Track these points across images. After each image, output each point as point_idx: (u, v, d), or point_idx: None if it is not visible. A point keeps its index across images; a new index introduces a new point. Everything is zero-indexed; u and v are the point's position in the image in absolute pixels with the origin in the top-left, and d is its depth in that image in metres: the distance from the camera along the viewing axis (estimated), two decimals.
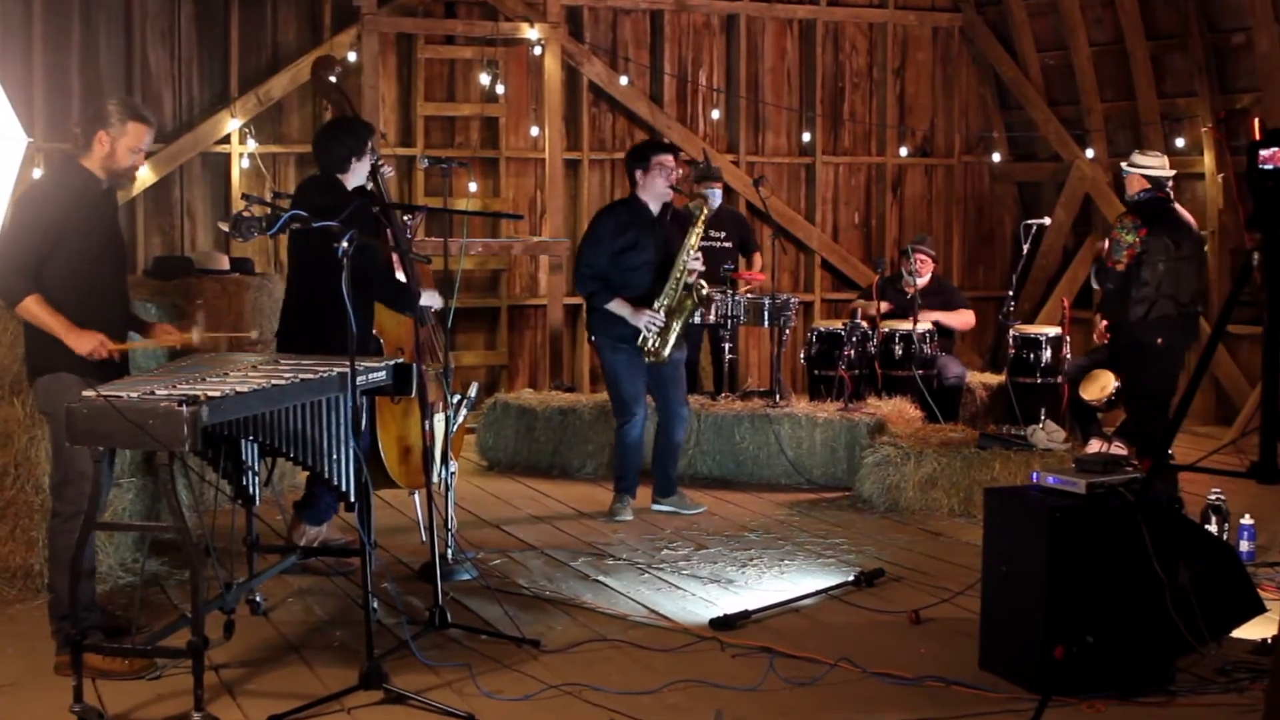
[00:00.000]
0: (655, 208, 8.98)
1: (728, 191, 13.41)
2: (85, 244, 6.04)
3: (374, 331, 7.51)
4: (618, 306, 8.83)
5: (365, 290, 6.76)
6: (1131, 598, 5.79)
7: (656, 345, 8.86)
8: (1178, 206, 9.49)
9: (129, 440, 5.26)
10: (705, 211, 9.05)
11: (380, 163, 7.86)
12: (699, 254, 8.99)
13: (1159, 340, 9.21)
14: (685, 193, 9.40)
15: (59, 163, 6.37)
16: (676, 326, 8.89)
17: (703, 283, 9.02)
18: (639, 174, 8.96)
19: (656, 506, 9.24)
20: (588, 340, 9.33)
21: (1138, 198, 9.41)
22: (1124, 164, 9.60)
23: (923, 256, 11.44)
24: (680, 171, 9.18)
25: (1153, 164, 9.41)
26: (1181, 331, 9.32)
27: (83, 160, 6.12)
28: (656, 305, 8.84)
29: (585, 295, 9.01)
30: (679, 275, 8.88)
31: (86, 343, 5.93)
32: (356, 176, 7.52)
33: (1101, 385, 10.58)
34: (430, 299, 7.59)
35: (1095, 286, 9.72)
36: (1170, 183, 9.45)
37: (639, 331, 8.83)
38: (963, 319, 11.61)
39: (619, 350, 8.92)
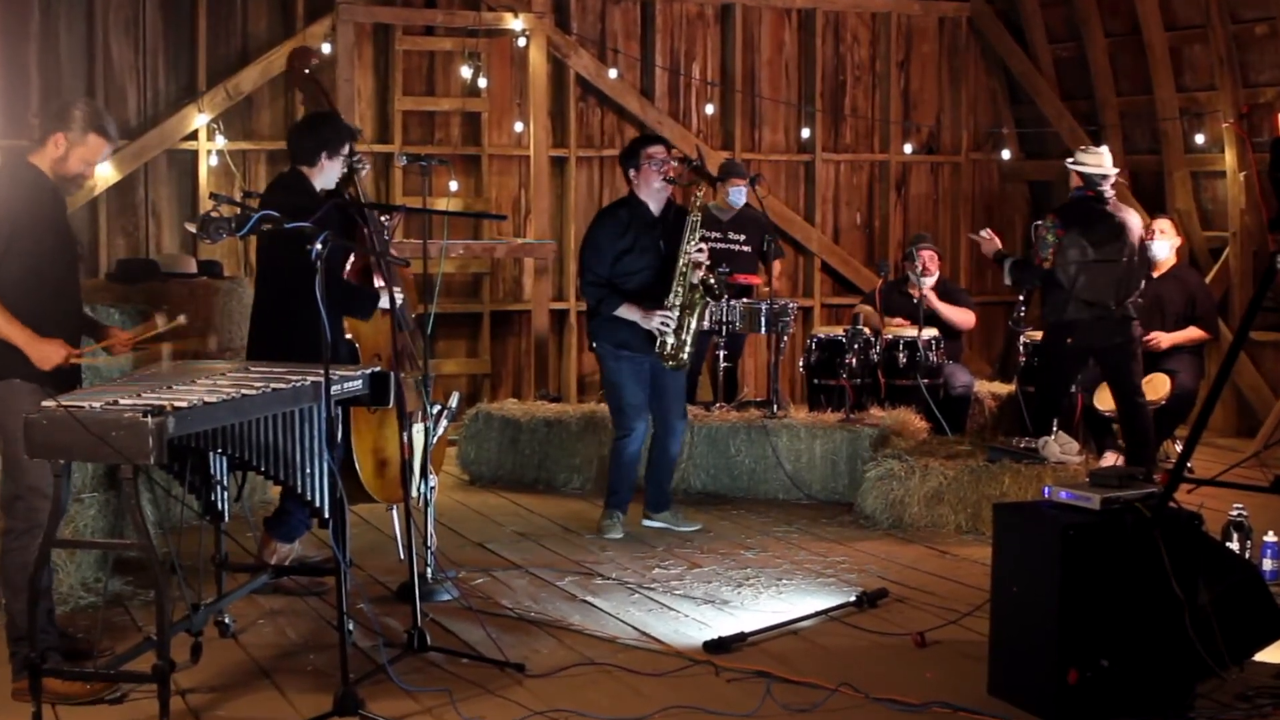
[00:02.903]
0: (655, 207, 8.93)
1: None
2: (36, 244, 6.01)
3: (348, 337, 7.53)
4: (627, 311, 8.80)
5: (328, 298, 6.77)
6: (1148, 619, 5.80)
7: (674, 348, 8.84)
8: (1116, 206, 9.99)
9: (90, 453, 5.25)
10: (700, 199, 9.01)
11: (358, 160, 7.87)
12: (701, 246, 8.96)
13: (1068, 340, 9.91)
14: (683, 182, 9.36)
15: (7, 159, 6.35)
16: (690, 324, 8.87)
17: (710, 280, 8.98)
18: (632, 173, 8.93)
19: (648, 522, 9.24)
20: (589, 348, 9.32)
21: (1071, 196, 10.06)
22: (1067, 160, 10.17)
23: (930, 254, 11.45)
24: (675, 163, 9.16)
25: (1089, 161, 9.94)
26: (1098, 333, 9.89)
27: (32, 157, 6.11)
28: (667, 305, 8.82)
29: (593, 303, 8.98)
30: (683, 270, 8.85)
31: (52, 355, 5.90)
32: (325, 176, 7.52)
33: (1155, 387, 10.64)
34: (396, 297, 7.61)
35: (1008, 283, 10.41)
36: (1108, 181, 9.91)
37: (642, 340, 8.81)
38: (964, 316, 11.60)
39: (621, 359, 8.90)
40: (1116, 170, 10.10)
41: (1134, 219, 10.02)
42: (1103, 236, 9.76)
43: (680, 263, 8.85)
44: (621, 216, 8.97)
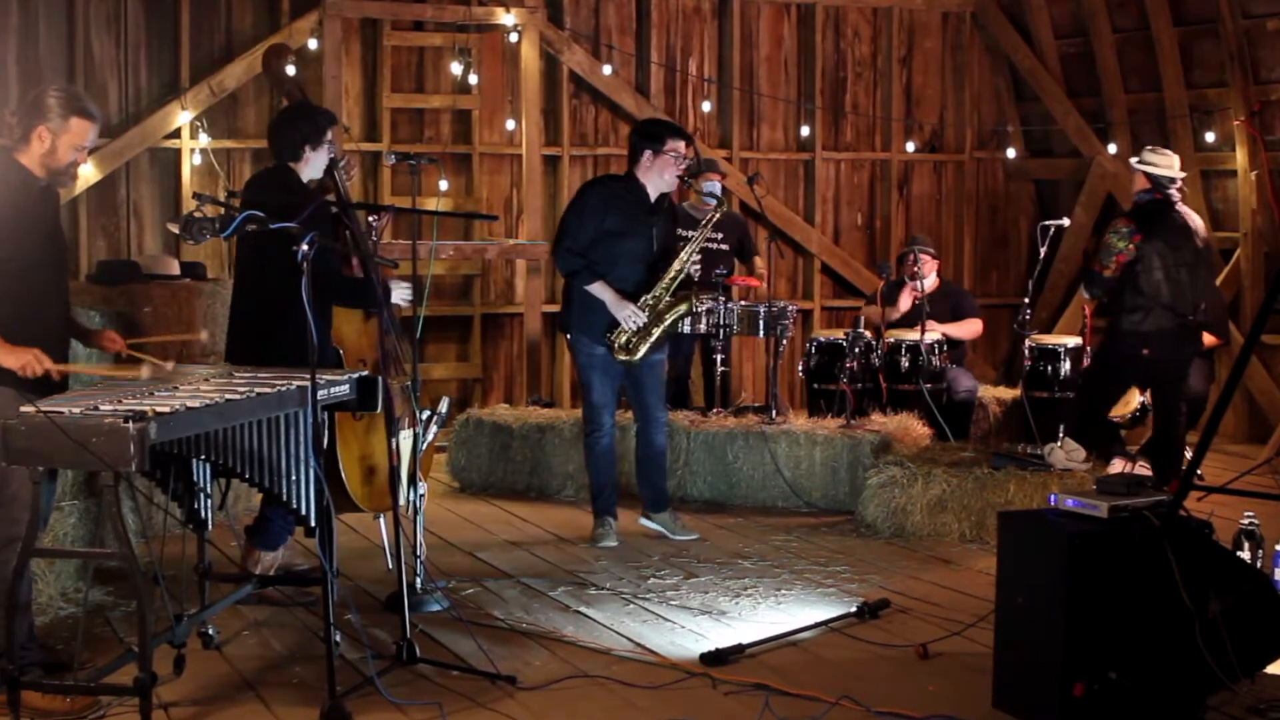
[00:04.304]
0: (653, 194, 8.92)
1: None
2: (21, 247, 6.00)
3: (333, 342, 7.53)
4: (600, 290, 8.76)
5: (322, 294, 6.78)
6: (1157, 631, 5.80)
7: (631, 343, 8.84)
8: (1182, 209, 9.78)
9: (71, 460, 5.25)
10: (719, 214, 9.06)
11: (343, 161, 7.89)
12: (699, 258, 8.97)
13: (1144, 351, 9.65)
14: (694, 186, 9.37)
15: None
16: (657, 332, 8.86)
17: (700, 299, 8.98)
18: (648, 154, 8.82)
19: (645, 521, 9.24)
20: (564, 336, 9.30)
21: (1137, 199, 9.80)
22: (1133, 160, 9.91)
23: (925, 256, 11.44)
24: (689, 163, 9.16)
25: (1158, 162, 9.71)
26: (1176, 343, 9.70)
27: (18, 155, 6.10)
28: (641, 303, 8.83)
29: (566, 273, 8.95)
30: (673, 276, 8.86)
31: (17, 359, 5.90)
32: (311, 167, 7.59)
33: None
34: (400, 293, 7.61)
35: (1085, 295, 10.18)
36: (1176, 184, 9.71)
37: (608, 322, 8.83)
38: (970, 329, 11.62)
39: (595, 352, 8.91)
40: (1184, 174, 9.91)
41: (1199, 222, 9.89)
42: (1179, 241, 9.60)
43: (673, 268, 8.85)
44: (616, 191, 8.91)
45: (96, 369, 6.49)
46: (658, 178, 8.85)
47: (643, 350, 8.85)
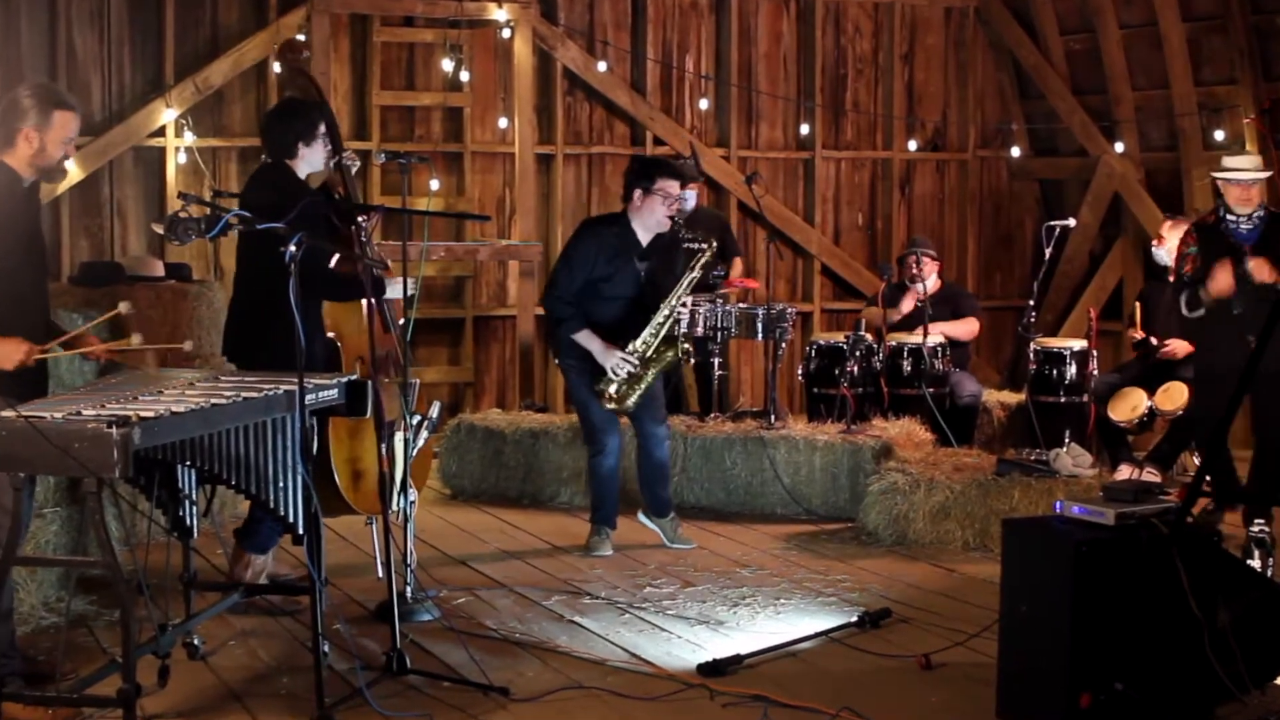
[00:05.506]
0: (645, 237, 8.92)
1: (717, 190, 13.46)
2: (4, 248, 6.02)
3: (331, 335, 7.55)
4: (586, 339, 8.77)
5: (310, 293, 6.79)
6: (1165, 640, 5.81)
7: (621, 392, 8.83)
8: None
9: (52, 466, 5.25)
10: (709, 254, 9.08)
11: (347, 157, 7.89)
12: (686, 301, 8.98)
13: None
14: (681, 224, 9.41)
15: None
16: (649, 378, 8.85)
17: (687, 346, 9.00)
18: (638, 194, 8.86)
19: (643, 518, 9.28)
20: (554, 361, 9.31)
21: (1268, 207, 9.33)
22: (1263, 168, 9.40)
23: (926, 258, 11.42)
24: (688, 164, 9.15)
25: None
26: None
27: (4, 158, 6.11)
28: (630, 349, 8.83)
29: (555, 320, 8.98)
30: (662, 322, 8.85)
31: (12, 353, 5.90)
32: (306, 163, 7.62)
33: (1132, 405, 10.62)
34: (394, 289, 7.62)
35: None
36: None
37: (603, 373, 8.82)
38: (967, 328, 11.58)
39: (588, 374, 8.90)
40: None
41: None
42: None
43: (662, 313, 8.84)
44: (609, 240, 8.91)
45: (86, 346, 6.46)
46: (648, 217, 8.86)
47: (633, 398, 8.84)
